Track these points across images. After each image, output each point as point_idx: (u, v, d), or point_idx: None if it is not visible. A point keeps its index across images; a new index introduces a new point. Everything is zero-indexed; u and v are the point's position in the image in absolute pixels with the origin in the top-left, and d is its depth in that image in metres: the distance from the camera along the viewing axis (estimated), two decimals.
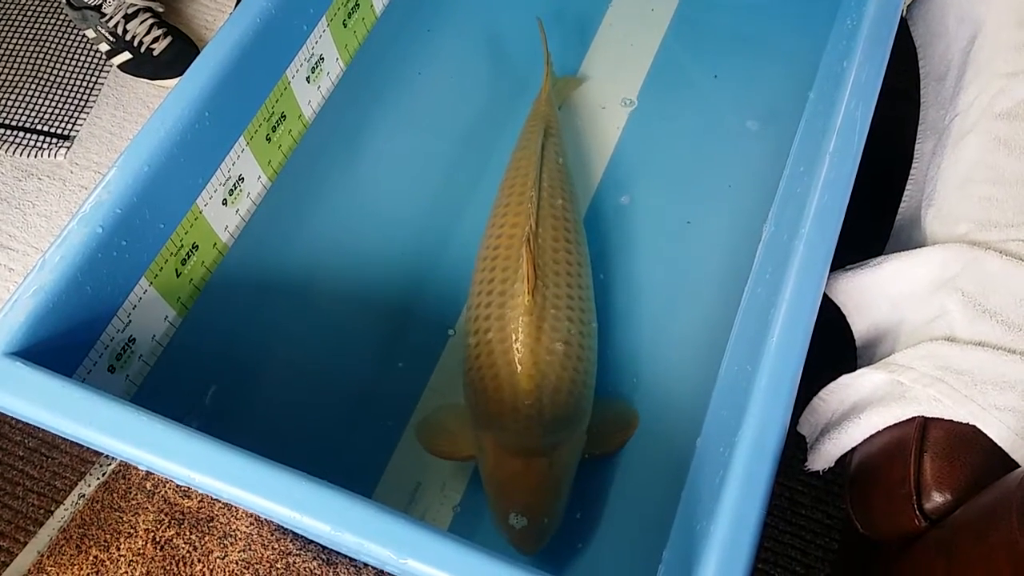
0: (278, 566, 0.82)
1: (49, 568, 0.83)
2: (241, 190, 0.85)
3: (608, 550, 0.74)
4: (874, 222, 0.82)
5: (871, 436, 0.64)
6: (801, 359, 0.62)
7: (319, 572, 0.81)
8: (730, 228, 0.88)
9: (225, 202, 0.83)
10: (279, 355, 0.83)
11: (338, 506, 0.55)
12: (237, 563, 0.82)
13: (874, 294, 0.72)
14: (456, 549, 0.54)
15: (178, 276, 0.80)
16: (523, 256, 0.74)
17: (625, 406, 0.78)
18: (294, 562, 0.82)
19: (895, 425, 0.62)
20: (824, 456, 0.68)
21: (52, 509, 0.88)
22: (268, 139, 0.86)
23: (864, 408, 0.64)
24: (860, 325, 0.75)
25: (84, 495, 0.87)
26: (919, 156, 0.82)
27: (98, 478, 0.89)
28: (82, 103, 1.17)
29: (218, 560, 0.82)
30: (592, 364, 0.75)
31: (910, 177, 0.81)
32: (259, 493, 0.56)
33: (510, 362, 0.71)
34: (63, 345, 0.67)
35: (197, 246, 0.81)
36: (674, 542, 0.70)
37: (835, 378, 0.68)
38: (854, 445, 0.66)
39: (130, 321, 0.75)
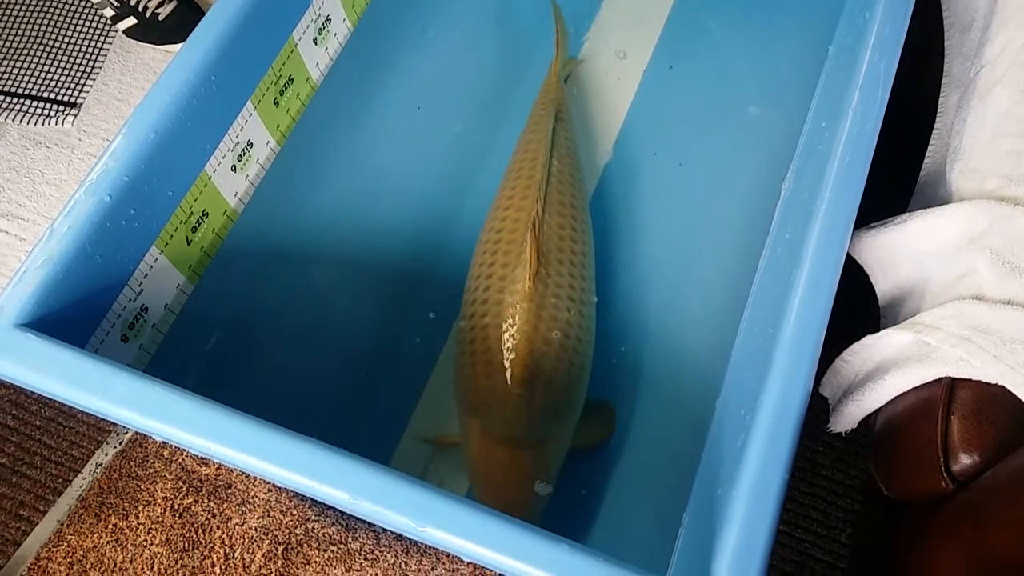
0: (297, 532, 0.81)
1: (69, 536, 0.83)
2: (250, 155, 0.83)
3: (627, 513, 0.73)
4: (896, 179, 0.80)
5: (896, 398, 0.62)
6: (824, 321, 0.61)
7: (338, 538, 0.81)
8: (748, 188, 0.86)
9: (234, 168, 0.81)
10: (291, 321, 0.82)
11: (355, 474, 0.55)
12: (256, 529, 0.82)
13: (899, 253, 0.70)
14: (474, 515, 0.54)
15: (189, 244, 0.79)
16: (527, 241, 0.72)
17: (603, 403, 0.76)
18: (313, 528, 0.81)
19: (921, 386, 0.60)
20: (847, 418, 0.67)
21: (70, 478, 0.88)
22: (276, 103, 0.84)
23: (889, 369, 0.62)
24: (884, 285, 0.73)
25: (102, 464, 0.87)
26: (943, 110, 0.80)
27: (115, 447, 0.89)
28: (88, 69, 1.16)
29: (237, 527, 0.82)
30: (588, 357, 0.73)
31: (934, 132, 0.79)
32: (276, 462, 0.55)
33: (505, 348, 0.70)
34: (75, 316, 0.66)
35: (207, 213, 0.80)
36: (694, 506, 0.70)
37: (858, 339, 0.67)
38: (878, 407, 0.64)
39: (142, 290, 0.74)
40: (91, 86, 1.15)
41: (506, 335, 0.70)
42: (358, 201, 0.87)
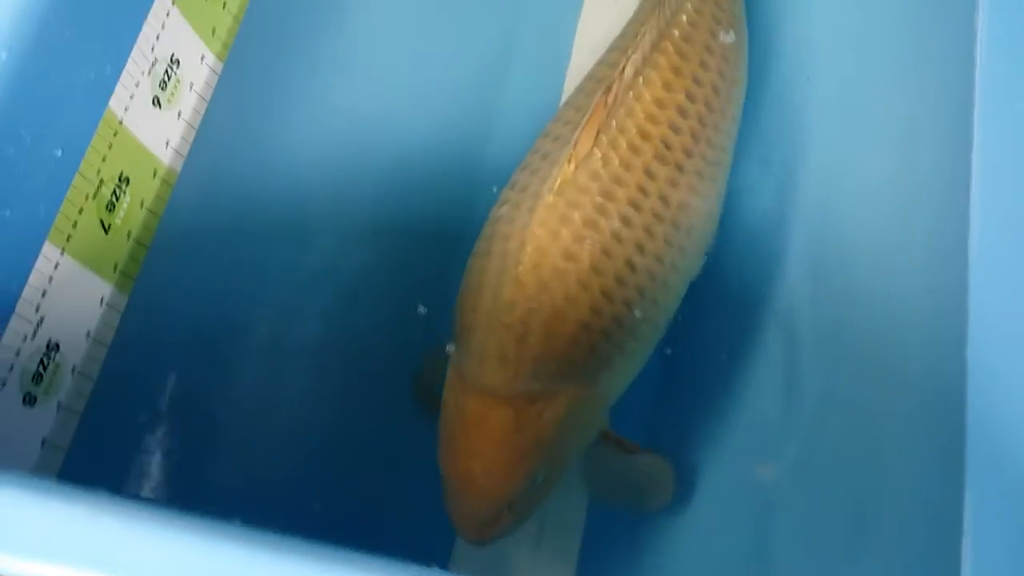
0: None
1: None
2: (178, 79, 0.53)
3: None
4: None
5: None
6: None
7: None
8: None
9: (157, 101, 0.52)
10: (273, 325, 0.55)
11: None
12: None
13: None
14: None
15: (107, 231, 0.50)
16: (596, 105, 0.47)
17: (659, 462, 0.50)
18: None
19: None
20: None
21: None
22: None
23: None
24: None
25: None
26: None
27: None
28: None
29: None
30: (654, 305, 0.47)
31: None
32: None
33: (504, 255, 0.46)
34: None
35: (127, 178, 0.50)
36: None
37: None
38: None
39: (41, 319, 0.46)
40: None
41: (513, 238, 0.46)
42: (350, 136, 0.59)
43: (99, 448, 0.49)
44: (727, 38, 0.51)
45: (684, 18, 0.49)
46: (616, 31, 0.54)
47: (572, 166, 0.45)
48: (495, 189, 0.50)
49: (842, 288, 0.52)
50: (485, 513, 0.44)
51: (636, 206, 0.46)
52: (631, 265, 0.45)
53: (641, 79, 0.47)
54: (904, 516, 0.43)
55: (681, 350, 0.54)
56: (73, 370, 0.49)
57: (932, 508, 0.43)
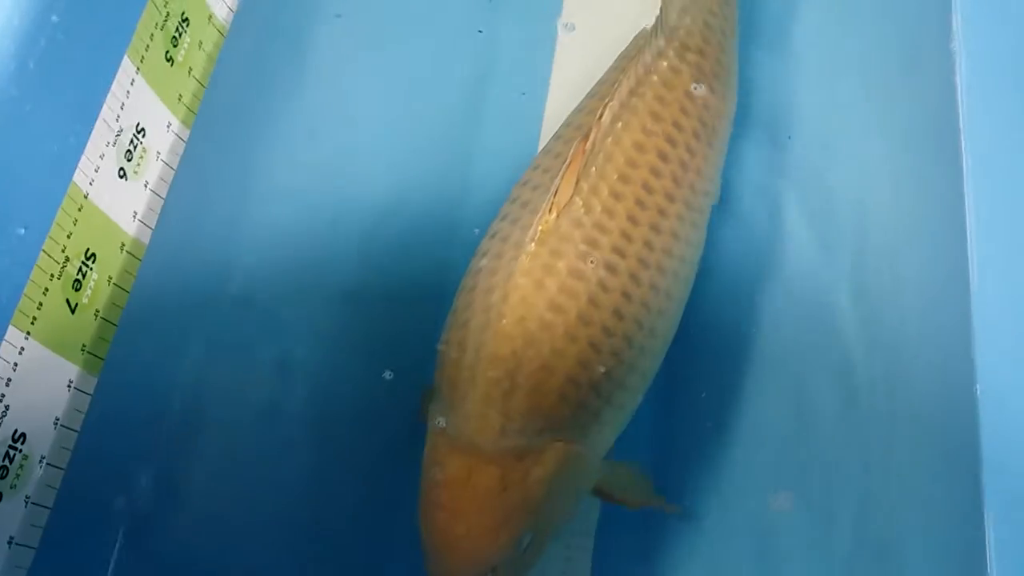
0: None
1: None
2: (144, 148, 0.51)
3: None
4: None
5: None
6: None
7: None
8: None
9: (123, 172, 0.50)
10: (260, 396, 0.52)
11: None
12: None
13: None
14: None
15: (73, 311, 0.47)
16: (575, 152, 0.45)
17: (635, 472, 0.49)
18: None
19: None
20: None
21: None
22: (169, 59, 0.53)
23: None
24: None
25: None
26: None
27: None
28: None
29: None
30: (642, 353, 0.45)
31: None
32: None
33: (487, 308, 0.44)
34: None
35: (93, 254, 0.48)
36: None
37: None
38: None
39: (7, 407, 0.43)
40: None
41: (496, 290, 0.44)
42: (320, 198, 0.57)
43: (71, 544, 0.46)
44: (708, 89, 0.50)
45: (665, 64, 0.49)
46: (592, 74, 0.54)
47: (554, 214, 0.44)
48: (476, 230, 0.49)
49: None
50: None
51: (621, 253, 0.44)
52: (618, 314, 0.44)
53: (620, 124, 0.47)
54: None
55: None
56: (41, 461, 0.45)
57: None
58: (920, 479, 0.45)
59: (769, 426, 0.49)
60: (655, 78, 0.49)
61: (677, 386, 0.50)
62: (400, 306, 0.55)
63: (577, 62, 0.59)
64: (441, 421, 0.43)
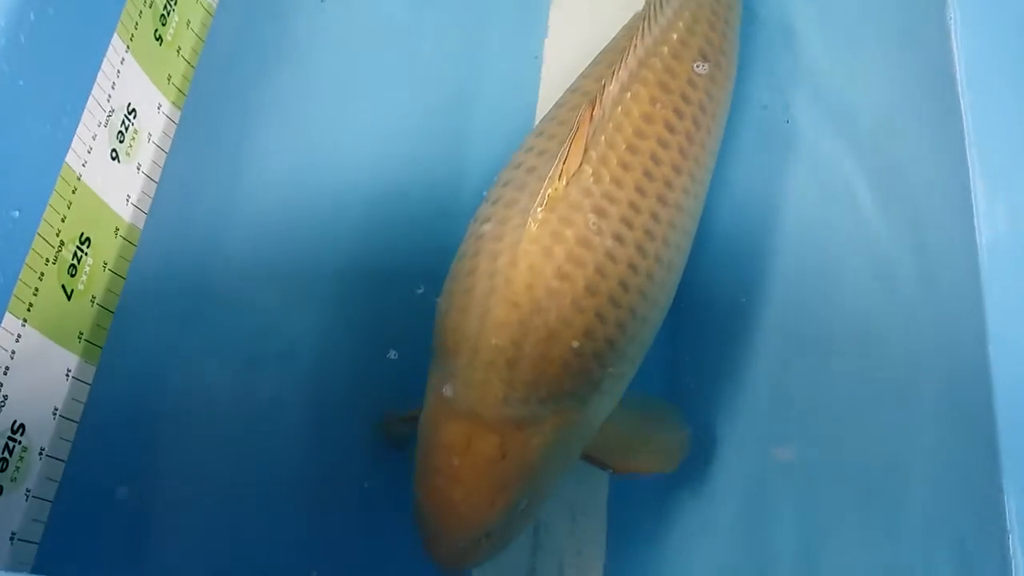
0: None
1: None
2: (136, 130, 0.50)
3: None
4: None
5: None
6: None
7: None
8: None
9: (115, 154, 0.48)
10: (260, 379, 0.51)
11: None
12: None
13: None
14: None
15: (70, 297, 0.45)
16: (582, 119, 0.45)
17: (671, 412, 0.49)
18: None
19: None
20: None
21: None
22: (158, 37, 0.51)
23: None
24: None
25: None
26: None
27: None
28: None
29: None
30: (643, 324, 0.45)
31: None
32: None
33: (492, 274, 0.43)
34: None
35: (88, 239, 0.46)
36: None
37: None
38: None
39: (5, 398, 0.41)
40: None
41: (502, 255, 0.43)
42: (313, 177, 0.56)
43: (74, 537, 0.44)
44: (715, 64, 0.50)
45: (675, 37, 0.48)
46: (585, 51, 0.53)
47: (563, 181, 0.43)
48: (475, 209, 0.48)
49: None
50: (462, 541, 0.41)
51: (628, 224, 0.44)
52: (624, 285, 0.43)
53: (629, 94, 0.46)
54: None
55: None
56: (41, 453, 0.44)
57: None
58: (932, 428, 0.45)
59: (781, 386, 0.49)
60: (665, 49, 0.48)
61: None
62: (396, 285, 0.54)
63: (571, 37, 0.59)
64: (445, 389, 0.42)
